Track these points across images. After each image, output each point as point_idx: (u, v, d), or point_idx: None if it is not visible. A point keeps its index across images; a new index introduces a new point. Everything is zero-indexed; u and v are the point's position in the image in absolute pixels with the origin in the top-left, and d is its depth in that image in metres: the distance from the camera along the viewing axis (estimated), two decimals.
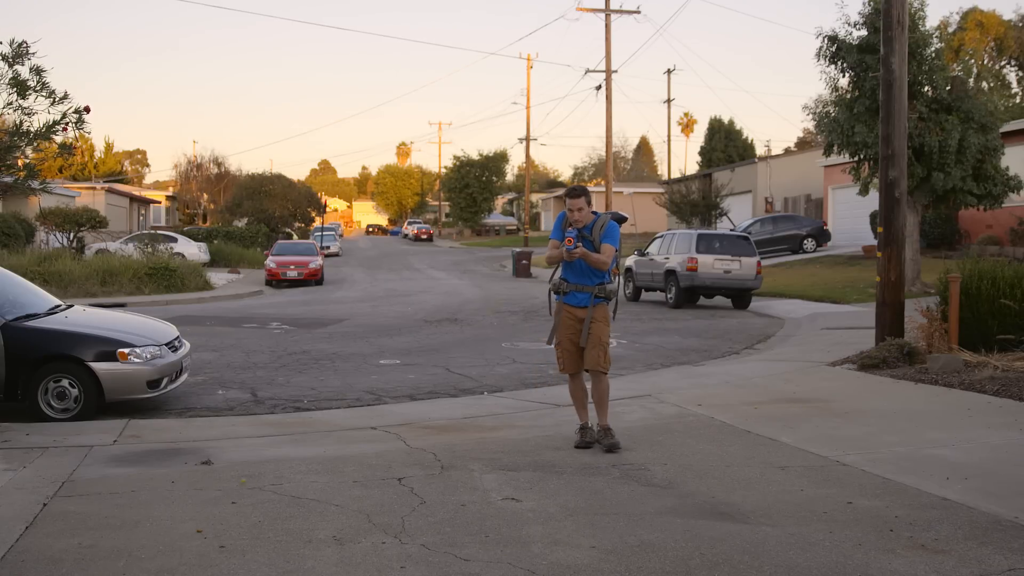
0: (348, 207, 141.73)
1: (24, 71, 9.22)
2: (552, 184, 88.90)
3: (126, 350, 8.25)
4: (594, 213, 6.68)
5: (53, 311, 8.94)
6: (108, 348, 8.22)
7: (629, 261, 23.20)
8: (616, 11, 37.73)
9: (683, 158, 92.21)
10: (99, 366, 8.11)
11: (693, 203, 39.81)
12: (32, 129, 9.28)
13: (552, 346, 6.82)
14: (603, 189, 46.27)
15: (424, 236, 71.54)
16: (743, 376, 10.13)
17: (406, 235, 77.93)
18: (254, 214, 49.36)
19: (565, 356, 6.70)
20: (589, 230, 6.62)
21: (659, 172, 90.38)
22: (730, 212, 40.25)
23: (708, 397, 8.65)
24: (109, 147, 77.72)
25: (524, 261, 33.95)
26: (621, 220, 6.87)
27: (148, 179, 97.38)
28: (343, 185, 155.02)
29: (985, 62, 56.44)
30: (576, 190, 6.68)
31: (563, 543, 4.52)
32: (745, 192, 42.41)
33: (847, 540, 4.52)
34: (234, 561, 4.28)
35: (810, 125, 42.64)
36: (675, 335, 14.91)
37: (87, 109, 9.30)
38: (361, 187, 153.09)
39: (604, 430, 6.56)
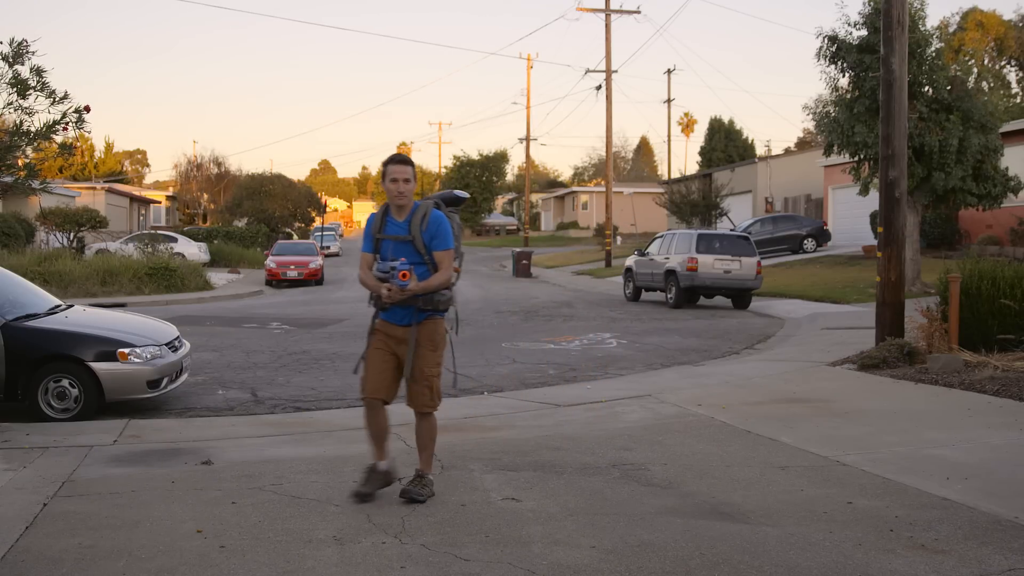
0: (348, 207, 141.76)
1: (24, 71, 9.22)
2: (552, 184, 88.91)
3: (126, 350, 8.25)
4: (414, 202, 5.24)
5: (53, 311, 8.94)
6: (108, 348, 8.22)
7: (629, 261, 23.23)
8: (616, 11, 37.77)
9: (683, 158, 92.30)
10: (99, 366, 8.11)
11: (693, 203, 39.81)
12: (32, 129, 9.28)
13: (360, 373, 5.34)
14: (603, 189, 46.29)
15: None
16: (743, 376, 10.13)
17: None
18: (254, 214, 49.36)
19: (369, 375, 5.21)
20: (407, 227, 5.13)
21: (659, 172, 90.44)
22: (730, 212, 40.25)
23: (708, 397, 8.65)
24: (109, 147, 77.76)
25: (524, 261, 33.96)
26: (456, 202, 5.47)
27: (148, 179, 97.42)
28: (343, 185, 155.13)
29: (985, 62, 56.46)
30: (401, 157, 5.24)
31: (563, 543, 4.52)
32: (745, 192, 42.41)
33: (847, 540, 4.52)
34: (234, 561, 4.28)
35: (810, 125, 42.69)
36: (675, 335, 14.91)
37: (87, 109, 9.29)
38: (361, 187, 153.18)
39: (419, 476, 5.29)
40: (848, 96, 20.33)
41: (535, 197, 77.04)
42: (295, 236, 49.46)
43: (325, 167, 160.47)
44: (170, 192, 71.34)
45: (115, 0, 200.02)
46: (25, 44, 9.22)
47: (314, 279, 30.22)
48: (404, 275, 4.92)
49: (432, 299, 5.11)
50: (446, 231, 5.12)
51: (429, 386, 5.18)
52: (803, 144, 66.11)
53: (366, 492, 5.18)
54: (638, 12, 38.34)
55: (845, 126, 19.96)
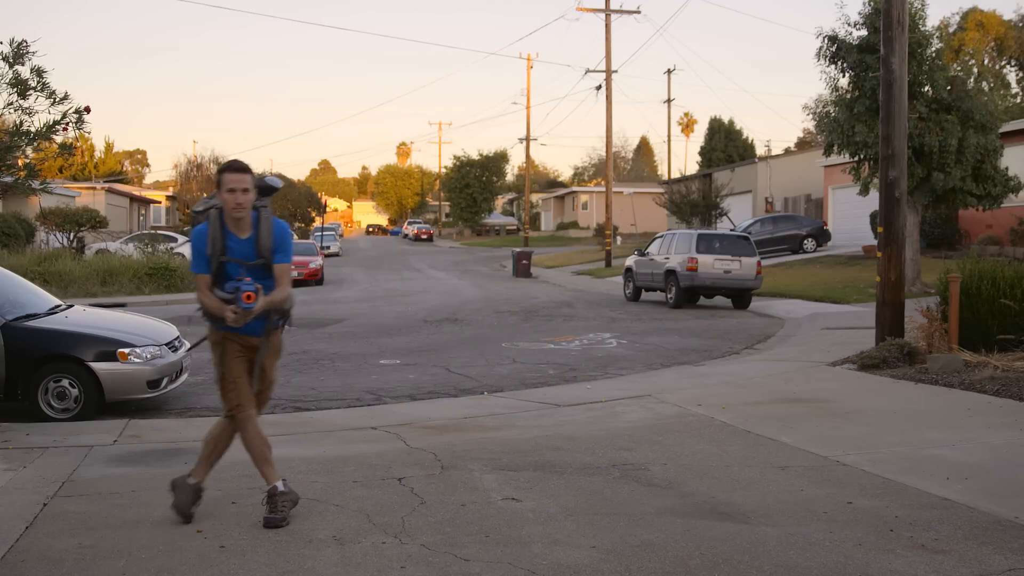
0: (348, 207, 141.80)
1: (24, 71, 9.21)
2: (552, 184, 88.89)
3: (126, 350, 8.25)
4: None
5: (53, 311, 8.94)
6: (108, 348, 8.22)
7: (629, 261, 23.22)
8: (616, 11, 37.76)
9: (683, 158, 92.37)
10: (99, 366, 8.11)
11: (693, 203, 39.79)
12: (32, 129, 9.27)
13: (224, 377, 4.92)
14: (603, 189, 46.29)
15: (424, 236, 71.53)
16: (743, 376, 10.13)
17: (406, 235, 77.93)
18: None
19: (241, 387, 4.88)
20: (254, 246, 4.75)
21: (659, 172, 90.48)
22: (730, 212, 40.24)
23: (708, 397, 8.65)
24: (109, 147, 77.69)
25: (524, 261, 33.95)
26: (269, 191, 4.92)
27: (148, 179, 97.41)
28: (343, 185, 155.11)
29: (985, 62, 56.46)
30: (239, 163, 4.75)
31: (563, 543, 4.52)
32: (745, 192, 42.40)
33: (847, 540, 4.52)
34: (234, 561, 4.28)
35: (810, 125, 42.68)
36: (675, 335, 14.91)
37: (87, 109, 9.29)
38: (361, 187, 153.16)
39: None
40: (848, 96, 20.33)
41: (535, 197, 77.01)
42: (295, 236, 49.39)
43: (325, 167, 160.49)
44: (170, 192, 71.31)
45: (115, 0, 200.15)
46: (25, 44, 9.21)
47: (314, 279, 30.22)
48: (249, 296, 4.56)
49: (282, 308, 4.92)
50: (289, 244, 4.83)
51: (271, 394, 5.19)
52: (803, 144, 66.13)
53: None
54: (638, 12, 38.36)
55: (845, 126, 19.96)
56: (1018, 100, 53.53)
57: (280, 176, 56.51)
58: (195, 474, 4.96)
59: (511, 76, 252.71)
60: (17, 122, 9.28)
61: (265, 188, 4.90)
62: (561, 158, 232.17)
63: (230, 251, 4.74)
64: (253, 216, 4.77)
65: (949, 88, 19.72)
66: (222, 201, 4.70)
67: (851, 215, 32.64)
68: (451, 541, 4.55)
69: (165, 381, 8.52)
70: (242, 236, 4.75)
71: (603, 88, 37.91)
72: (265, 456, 4.92)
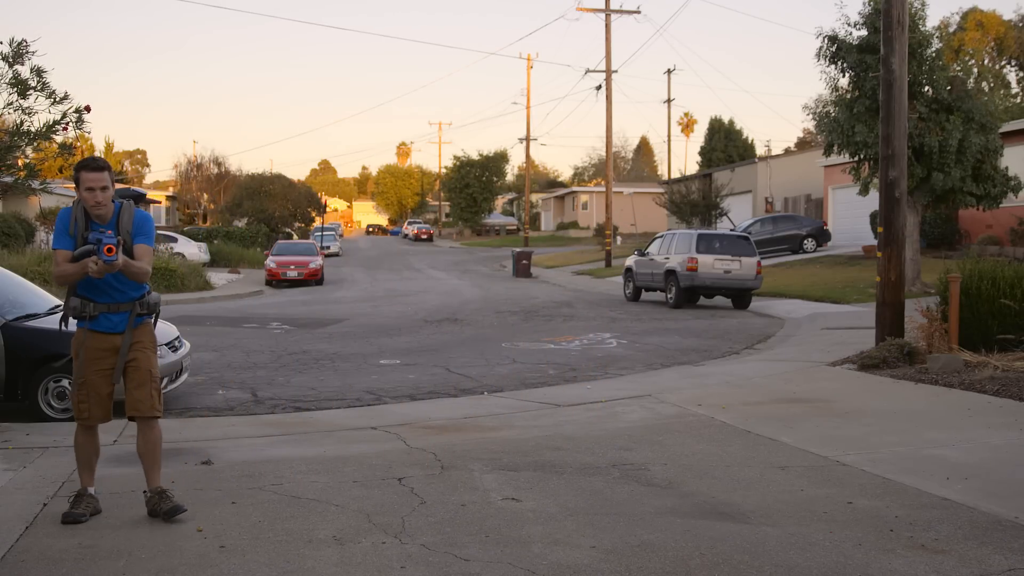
0: (348, 207, 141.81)
1: (24, 71, 9.21)
2: (552, 184, 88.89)
3: None
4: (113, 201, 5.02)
5: (53, 311, 8.92)
6: None
7: (629, 261, 23.24)
8: (616, 11, 37.77)
9: (683, 158, 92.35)
10: None
11: (693, 203, 39.80)
12: (32, 129, 9.26)
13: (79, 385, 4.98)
14: (603, 189, 46.30)
15: (424, 236, 71.56)
16: (743, 376, 10.13)
17: (406, 235, 77.97)
18: (254, 214, 49.39)
19: (92, 400, 4.95)
20: (115, 226, 4.91)
21: (659, 172, 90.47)
22: (730, 212, 40.24)
23: (708, 397, 8.65)
24: (109, 147, 77.63)
25: (524, 261, 33.96)
26: (142, 197, 5.45)
27: (148, 179, 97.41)
28: (343, 185, 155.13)
29: (985, 62, 56.45)
30: (97, 162, 4.90)
31: (563, 543, 4.52)
32: (745, 192, 42.40)
33: (847, 540, 4.52)
34: (234, 561, 4.28)
35: (810, 125, 42.66)
36: (675, 335, 14.91)
37: (87, 109, 9.27)
38: (361, 187, 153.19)
39: (159, 493, 4.98)
40: (848, 96, 20.33)
41: (535, 197, 77.01)
42: (295, 236, 49.48)
43: (325, 167, 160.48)
44: (170, 192, 71.34)
45: (116, 0, 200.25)
46: (25, 44, 9.20)
47: (314, 279, 30.24)
48: (110, 249, 4.64)
49: (148, 302, 5.07)
50: (151, 230, 5.06)
51: (157, 388, 5.04)
52: (803, 144, 66.10)
53: (82, 513, 4.87)
54: (638, 12, 38.36)
55: (845, 126, 19.96)
56: (1018, 100, 53.49)
57: (278, 176, 56.60)
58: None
59: (511, 76, 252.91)
60: (17, 122, 9.27)
61: (137, 196, 5.13)
62: (561, 158, 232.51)
63: (93, 235, 4.86)
64: (116, 206, 4.97)
65: (949, 88, 19.73)
66: (82, 199, 4.88)
67: (851, 215, 32.64)
68: (451, 541, 4.55)
69: (165, 381, 8.50)
70: (103, 223, 4.94)
71: (603, 88, 37.93)
72: (90, 463, 5.08)
